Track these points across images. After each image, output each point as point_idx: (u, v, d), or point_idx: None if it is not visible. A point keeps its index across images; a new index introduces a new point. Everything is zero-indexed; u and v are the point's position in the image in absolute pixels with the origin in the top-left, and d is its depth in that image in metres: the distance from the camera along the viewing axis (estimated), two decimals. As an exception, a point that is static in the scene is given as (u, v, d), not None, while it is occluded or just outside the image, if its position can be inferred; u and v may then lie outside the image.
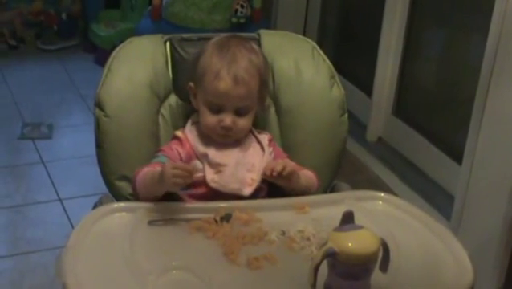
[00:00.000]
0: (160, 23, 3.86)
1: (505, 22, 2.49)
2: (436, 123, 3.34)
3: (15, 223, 3.11)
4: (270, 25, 4.07)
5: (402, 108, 3.53)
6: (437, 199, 3.10)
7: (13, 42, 4.64)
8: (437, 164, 3.20)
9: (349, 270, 1.46)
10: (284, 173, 1.80)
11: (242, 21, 3.77)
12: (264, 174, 1.83)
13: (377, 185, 3.28)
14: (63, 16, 4.69)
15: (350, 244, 1.45)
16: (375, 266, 1.48)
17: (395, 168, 3.38)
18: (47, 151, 3.61)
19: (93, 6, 4.64)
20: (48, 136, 3.73)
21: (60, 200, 3.22)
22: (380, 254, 1.49)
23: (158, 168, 1.76)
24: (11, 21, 4.62)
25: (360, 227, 1.49)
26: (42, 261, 2.81)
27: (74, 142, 3.67)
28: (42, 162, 3.51)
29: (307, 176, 1.91)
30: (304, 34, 4.14)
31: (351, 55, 3.99)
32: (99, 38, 4.49)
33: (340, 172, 3.06)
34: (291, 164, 1.83)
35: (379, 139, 3.60)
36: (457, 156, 2.95)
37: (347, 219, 1.51)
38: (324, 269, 1.47)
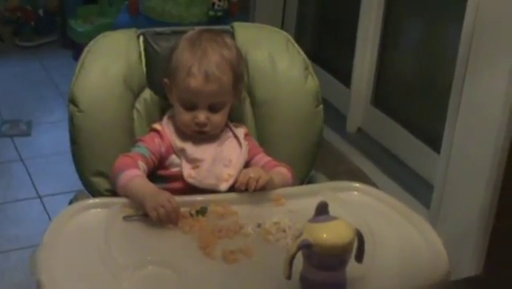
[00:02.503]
0: (138, 18, 3.84)
1: (479, 12, 2.49)
2: (414, 112, 3.34)
3: (-4, 221, 3.09)
4: (247, 17, 4.06)
5: (381, 98, 3.53)
6: (417, 188, 3.11)
7: (-10, 40, 4.61)
8: (416, 153, 3.21)
9: (324, 261, 1.47)
10: (258, 188, 1.79)
11: (220, 14, 3.76)
12: (238, 188, 1.81)
13: (357, 175, 3.28)
14: (41, 12, 4.64)
15: (324, 235, 1.45)
16: (350, 257, 1.48)
17: (374, 159, 3.39)
18: (26, 148, 3.58)
19: (71, 1, 4.59)
20: (27, 133, 3.71)
21: (40, 197, 3.20)
22: (355, 245, 1.49)
23: (151, 185, 1.76)
24: (-13, 18, 4.59)
25: (335, 218, 1.49)
26: (22, 259, 2.76)
27: (53, 139, 3.64)
28: (21, 159, 3.48)
29: (282, 175, 1.91)
30: (282, 25, 4.14)
31: (329, 46, 3.99)
32: (77, 34, 4.46)
33: (320, 163, 3.06)
34: (264, 176, 1.81)
35: (359, 129, 3.60)
36: (436, 146, 2.96)
37: (322, 210, 1.51)
38: (300, 260, 1.47)
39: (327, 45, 4.00)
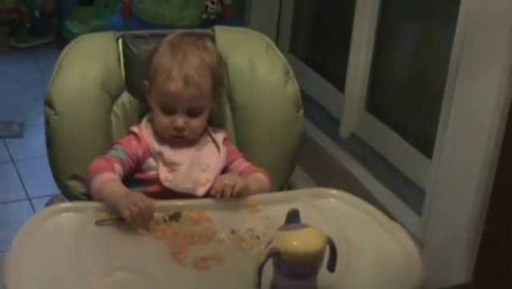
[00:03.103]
0: (131, 20, 3.82)
1: (471, 16, 2.47)
2: (408, 118, 3.33)
3: (-15, 222, 3.08)
4: (241, 21, 4.05)
5: (375, 104, 3.51)
6: (409, 194, 3.09)
7: (-15, 40, 4.60)
8: (409, 159, 3.19)
9: (294, 270, 1.45)
10: (233, 194, 1.77)
11: (213, 17, 3.74)
12: (214, 195, 1.79)
13: (350, 180, 3.27)
14: (36, 13, 4.63)
15: (294, 243, 1.43)
16: (321, 265, 1.46)
17: (368, 164, 3.36)
18: (18, 150, 3.57)
19: (67, 3, 4.59)
20: (19, 135, 3.69)
21: (29, 199, 3.18)
22: (327, 253, 1.47)
23: (123, 188, 1.74)
24: (-17, 19, 4.58)
25: (306, 226, 1.47)
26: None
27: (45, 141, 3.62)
28: (12, 161, 3.47)
29: (259, 181, 1.89)
30: (278, 29, 4.13)
31: (324, 51, 3.97)
32: (73, 36, 4.34)
33: (313, 168, 3.05)
34: (239, 183, 1.79)
35: (353, 135, 3.58)
36: (429, 152, 2.94)
37: (293, 218, 1.49)
38: (271, 268, 1.45)
39: (321, 49, 3.99)
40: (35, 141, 3.65)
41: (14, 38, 4.65)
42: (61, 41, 4.60)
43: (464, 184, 2.57)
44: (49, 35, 4.71)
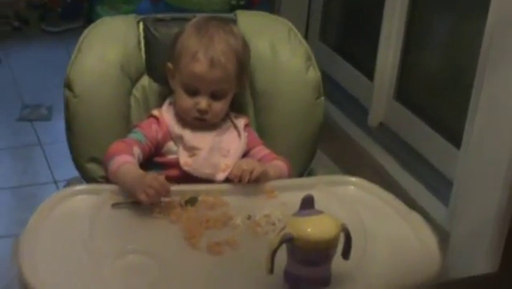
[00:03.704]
0: (159, 5, 3.82)
1: (503, 8, 2.44)
2: (437, 108, 3.28)
3: (11, 204, 3.10)
4: (271, 7, 4.02)
5: (404, 93, 3.47)
6: (437, 184, 3.05)
7: (16, 24, 4.62)
8: (437, 149, 3.15)
9: (307, 256, 1.43)
10: (252, 180, 1.76)
11: (242, 3, 3.72)
12: (232, 180, 1.78)
13: (377, 170, 3.24)
14: (68, -2, 4.67)
15: (308, 229, 1.41)
16: (334, 253, 1.44)
17: (395, 154, 3.33)
18: (46, 133, 3.59)
19: (97, -13, 4.61)
20: (47, 118, 3.72)
21: (55, 182, 3.20)
22: (341, 241, 1.45)
23: (137, 170, 1.73)
24: (15, 2, 4.60)
25: (320, 212, 1.45)
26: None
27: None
28: (40, 144, 3.49)
29: (277, 167, 1.87)
30: (308, 17, 4.10)
31: (354, 39, 3.94)
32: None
33: (341, 157, 3.03)
34: (258, 168, 1.77)
35: (381, 124, 3.55)
36: (457, 142, 2.90)
37: (307, 204, 1.47)
38: (284, 255, 1.44)
39: (351, 38, 3.95)
40: (63, 125, 3.66)
41: (44, 22, 4.67)
42: (91, 26, 4.63)
43: (491, 174, 2.54)
44: (79, 20, 4.72)
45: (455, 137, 3.00)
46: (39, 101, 3.85)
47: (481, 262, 2.59)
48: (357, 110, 3.65)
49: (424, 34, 3.38)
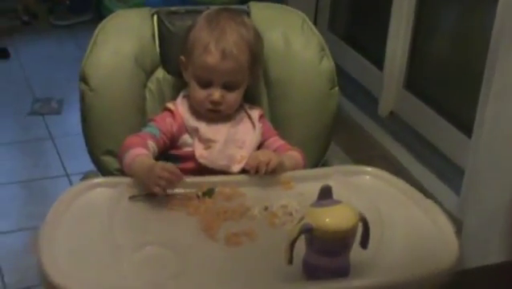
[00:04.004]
0: (169, -3, 3.82)
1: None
2: (447, 97, 3.29)
3: (23, 198, 3.12)
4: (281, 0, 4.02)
5: (413, 82, 3.48)
6: (448, 173, 3.07)
7: (25, 18, 4.63)
8: (449, 138, 3.16)
9: (326, 246, 1.43)
10: (269, 170, 1.76)
11: (252, -6, 3.73)
12: (248, 171, 1.78)
13: (388, 159, 3.25)
14: (76, -9, 4.68)
15: (327, 219, 1.41)
16: (353, 242, 1.44)
17: (406, 143, 3.34)
18: (56, 126, 3.60)
19: (106, -20, 4.61)
20: (58, 112, 3.73)
21: (68, 175, 3.21)
22: (360, 230, 1.45)
23: (149, 160, 1.73)
24: (24, -3, 4.62)
25: (338, 202, 1.45)
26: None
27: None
28: (51, 138, 3.50)
29: (293, 158, 1.88)
30: (316, 7, 4.10)
31: (363, 29, 3.94)
32: (111, 13, 4.46)
33: (351, 147, 3.03)
34: (274, 159, 1.77)
35: (391, 113, 3.56)
36: (468, 131, 2.91)
37: (325, 194, 1.47)
38: (303, 245, 1.44)
39: (360, 27, 3.96)
40: (74, 118, 3.63)
41: (53, 16, 4.69)
42: (100, 19, 4.55)
43: (504, 163, 2.55)
44: (88, 13, 4.74)
45: (465, 126, 3.00)
46: (50, 95, 3.86)
47: (494, 250, 2.60)
48: (367, 100, 3.65)
49: (434, 22, 3.39)
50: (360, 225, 1.45)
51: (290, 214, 1.64)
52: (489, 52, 2.61)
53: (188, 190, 1.70)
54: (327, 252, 1.44)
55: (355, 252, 1.46)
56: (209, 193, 1.70)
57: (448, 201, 2.83)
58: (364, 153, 3.35)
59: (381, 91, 3.55)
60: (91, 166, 3.08)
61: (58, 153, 3.37)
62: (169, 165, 1.68)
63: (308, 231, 1.41)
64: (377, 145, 3.42)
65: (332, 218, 1.41)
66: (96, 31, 1.96)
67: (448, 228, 1.62)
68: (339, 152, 3.15)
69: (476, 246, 2.62)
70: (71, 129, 3.59)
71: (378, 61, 3.61)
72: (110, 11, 4.39)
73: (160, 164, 1.69)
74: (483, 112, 2.63)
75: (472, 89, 2.91)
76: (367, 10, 3.93)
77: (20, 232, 2.87)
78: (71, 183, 3.15)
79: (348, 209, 1.44)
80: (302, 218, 1.44)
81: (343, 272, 1.46)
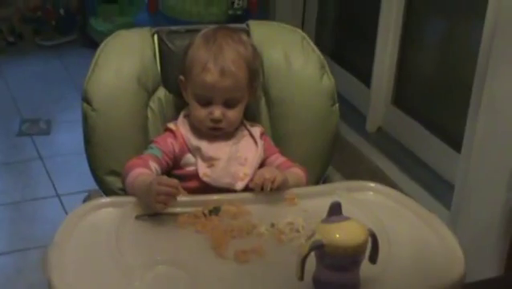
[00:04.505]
0: (157, 16, 3.84)
1: (501, 9, 2.45)
2: (435, 112, 3.31)
3: (13, 219, 3.11)
4: (267, 16, 4.05)
5: (401, 98, 3.49)
6: (437, 189, 3.07)
7: (11, 39, 4.62)
8: (437, 153, 3.17)
9: (337, 262, 1.44)
10: (274, 188, 1.77)
11: (239, 13, 3.76)
12: (254, 188, 1.79)
13: (377, 175, 3.25)
14: (61, 11, 4.67)
15: (337, 235, 1.42)
16: (363, 258, 1.46)
17: (395, 158, 3.35)
18: (46, 147, 3.60)
19: (91, 0, 4.61)
20: (46, 132, 3.72)
21: (58, 196, 3.21)
22: (369, 245, 1.47)
23: (149, 179, 1.73)
24: (9, 17, 4.60)
25: (348, 218, 1.47)
26: (40, 257, 2.78)
27: (72, 138, 3.60)
28: (41, 158, 3.50)
29: (296, 175, 1.89)
30: (303, 24, 4.12)
31: (349, 45, 3.96)
32: (97, 33, 4.47)
33: (340, 163, 3.04)
34: (279, 176, 1.78)
35: (379, 129, 3.57)
36: (457, 145, 2.92)
37: (335, 210, 1.48)
38: (313, 261, 1.45)
39: (347, 44, 3.98)
40: (62, 138, 3.69)
41: (39, 36, 4.69)
42: (85, 38, 4.64)
43: (494, 177, 2.55)
44: (74, 33, 4.74)
45: (454, 140, 3.02)
46: (37, 115, 3.86)
47: (485, 265, 2.60)
48: (355, 116, 3.66)
49: (421, 38, 3.41)
50: (369, 240, 1.47)
51: (297, 231, 1.66)
52: (478, 66, 2.63)
53: (194, 208, 1.70)
54: (338, 268, 1.45)
55: (364, 267, 1.47)
56: (215, 210, 1.71)
57: (439, 215, 2.81)
58: (353, 169, 3.36)
59: (369, 107, 3.56)
60: (81, 186, 3.08)
61: (48, 174, 3.37)
62: (165, 178, 1.69)
63: (319, 247, 1.43)
64: (365, 161, 3.42)
65: (343, 234, 1.43)
66: (98, 51, 1.97)
67: (453, 242, 1.64)
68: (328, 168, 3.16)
69: (467, 261, 2.62)
70: (60, 150, 3.59)
71: (365, 77, 3.62)
72: (95, 31, 4.46)
73: (157, 178, 1.69)
74: (473, 127, 2.65)
75: (460, 104, 2.94)
76: (354, 26, 3.96)
77: (11, 254, 2.86)
78: (61, 203, 3.14)
79: (358, 225, 1.45)
80: (312, 235, 1.45)
81: (353, 287, 1.48)
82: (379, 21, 3.44)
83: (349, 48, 3.95)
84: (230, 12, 3.75)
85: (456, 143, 2.98)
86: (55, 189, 3.25)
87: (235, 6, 3.74)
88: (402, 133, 3.43)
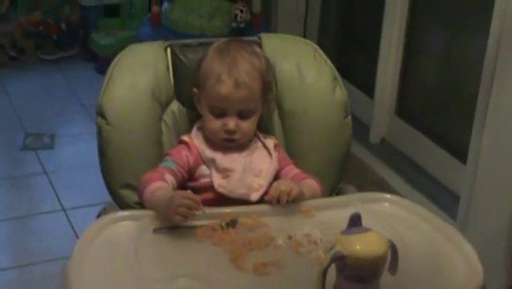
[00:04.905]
0: (160, 30, 3.85)
1: (507, 19, 2.47)
2: (439, 122, 3.32)
3: (19, 234, 3.10)
4: (270, 29, 4.06)
5: (405, 109, 3.51)
6: (442, 199, 3.09)
7: (13, 53, 4.62)
8: (442, 164, 3.19)
9: (358, 274, 1.45)
10: (290, 200, 1.77)
11: (242, 25, 3.77)
12: (269, 201, 1.79)
13: (382, 186, 3.26)
14: (63, 26, 4.67)
15: (358, 247, 1.43)
16: (384, 269, 1.46)
17: (399, 169, 3.37)
18: (50, 161, 3.59)
19: (92, 14, 4.61)
20: (50, 146, 3.72)
21: (64, 210, 3.20)
22: (389, 257, 1.47)
23: (169, 192, 1.74)
24: (11, 32, 4.60)
25: (368, 229, 1.47)
26: (47, 272, 2.78)
27: (76, 151, 3.66)
28: (45, 172, 3.49)
29: (311, 187, 1.90)
30: (304, 36, 4.11)
31: (352, 57, 3.97)
32: (99, 47, 4.48)
33: (345, 175, 3.05)
34: (295, 188, 1.78)
35: (383, 140, 3.59)
36: (462, 156, 2.93)
37: (355, 222, 1.49)
38: (332, 273, 1.45)
39: (349, 56, 3.99)
40: (66, 152, 3.69)
41: (41, 51, 4.69)
42: (87, 53, 4.65)
43: (501, 188, 2.56)
44: (75, 47, 4.75)
45: (458, 151, 3.03)
46: (40, 129, 3.85)
47: (492, 276, 2.59)
48: (358, 127, 3.66)
49: (424, 48, 3.43)
50: (389, 251, 1.47)
51: (315, 243, 1.66)
52: (483, 77, 2.64)
53: (210, 221, 1.70)
54: (358, 279, 1.45)
55: (383, 278, 1.48)
56: (232, 223, 1.71)
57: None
58: (357, 180, 3.34)
59: (372, 118, 3.58)
60: (86, 200, 3.11)
61: (53, 188, 3.36)
62: (188, 193, 1.70)
63: (340, 259, 1.43)
64: (369, 172, 3.44)
65: (363, 245, 1.43)
66: (112, 66, 1.97)
67: (472, 254, 1.64)
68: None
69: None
70: (64, 163, 3.59)
71: (368, 89, 3.64)
72: (97, 45, 4.47)
73: (180, 192, 1.70)
74: (479, 138, 2.66)
75: (463, 114, 2.95)
76: (356, 37, 3.97)
77: (18, 269, 2.85)
78: (67, 217, 3.14)
79: (378, 236, 1.46)
80: (331, 247, 1.45)
81: (373, 299, 1.48)
82: (382, 32, 3.46)
83: (352, 60, 3.96)
84: (233, 25, 3.76)
85: (460, 153, 2.99)
86: (61, 203, 3.24)
87: (238, 19, 3.75)
88: (406, 144, 3.45)
